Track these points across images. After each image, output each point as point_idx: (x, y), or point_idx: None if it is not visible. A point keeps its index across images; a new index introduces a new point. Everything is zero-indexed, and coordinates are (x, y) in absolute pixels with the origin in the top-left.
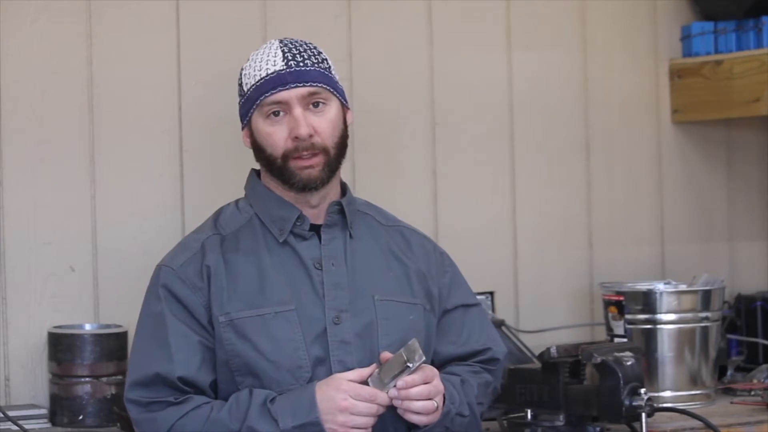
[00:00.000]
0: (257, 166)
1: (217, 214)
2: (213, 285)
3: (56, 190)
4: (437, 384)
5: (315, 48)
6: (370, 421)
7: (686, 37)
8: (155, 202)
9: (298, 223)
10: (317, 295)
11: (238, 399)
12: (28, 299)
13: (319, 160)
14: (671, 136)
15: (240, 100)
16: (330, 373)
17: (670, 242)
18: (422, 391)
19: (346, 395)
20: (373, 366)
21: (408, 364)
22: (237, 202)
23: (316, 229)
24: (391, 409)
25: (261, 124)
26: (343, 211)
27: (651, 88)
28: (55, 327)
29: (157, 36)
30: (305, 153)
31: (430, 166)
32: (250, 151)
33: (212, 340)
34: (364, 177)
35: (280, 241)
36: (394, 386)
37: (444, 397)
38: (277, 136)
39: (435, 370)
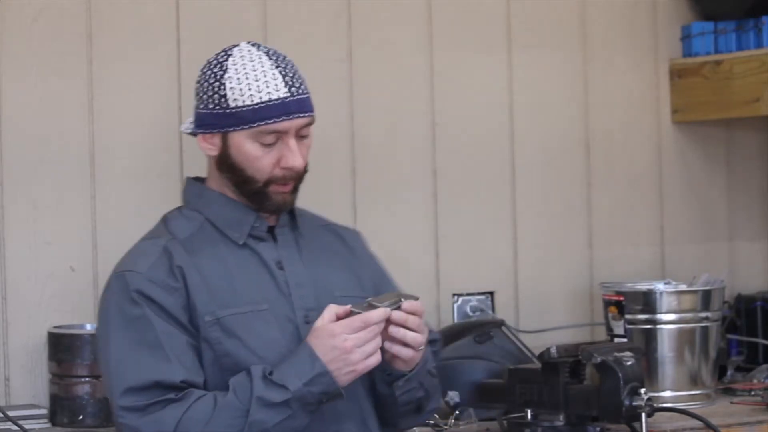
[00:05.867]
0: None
1: (165, 221)
2: (190, 285)
3: (56, 190)
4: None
5: (295, 65)
6: (377, 342)
7: (686, 37)
8: (155, 202)
9: (256, 225)
10: (284, 294)
11: (238, 380)
12: (28, 299)
13: (292, 185)
14: (671, 136)
15: (213, 108)
16: None
17: (670, 242)
18: (416, 321)
19: (343, 335)
20: (348, 307)
21: (402, 299)
22: (179, 210)
23: (269, 230)
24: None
25: (248, 146)
26: (292, 212)
27: (651, 88)
28: (55, 327)
29: (157, 36)
30: (289, 181)
31: (430, 166)
32: None
33: (196, 341)
34: (364, 177)
35: (240, 243)
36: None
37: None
38: (265, 161)
39: (422, 309)
